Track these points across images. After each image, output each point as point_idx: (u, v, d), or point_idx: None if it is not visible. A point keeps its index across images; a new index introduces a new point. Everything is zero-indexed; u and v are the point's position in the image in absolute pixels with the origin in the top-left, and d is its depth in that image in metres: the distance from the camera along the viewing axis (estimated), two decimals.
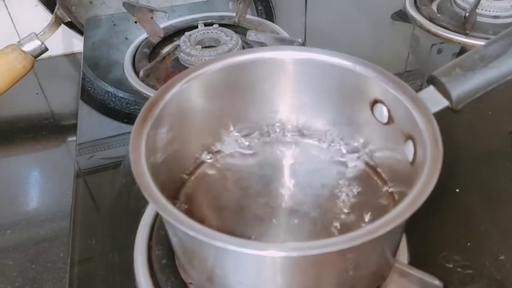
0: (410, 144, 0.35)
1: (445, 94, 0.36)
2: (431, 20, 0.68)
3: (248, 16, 0.66)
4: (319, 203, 0.39)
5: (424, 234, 0.39)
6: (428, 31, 0.67)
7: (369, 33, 0.70)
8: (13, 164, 0.62)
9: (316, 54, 0.40)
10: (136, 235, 0.39)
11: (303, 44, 0.60)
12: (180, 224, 0.27)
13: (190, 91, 0.38)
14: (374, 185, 0.40)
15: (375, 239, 0.26)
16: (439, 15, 0.69)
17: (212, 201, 0.40)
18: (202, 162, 0.43)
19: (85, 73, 0.62)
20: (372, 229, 0.26)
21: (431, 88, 0.37)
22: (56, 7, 0.67)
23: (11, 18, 0.71)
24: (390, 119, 0.38)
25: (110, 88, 0.58)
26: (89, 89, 0.60)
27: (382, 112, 0.38)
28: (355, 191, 0.40)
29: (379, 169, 0.41)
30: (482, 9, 0.67)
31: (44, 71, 0.75)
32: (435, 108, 0.35)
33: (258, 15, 0.71)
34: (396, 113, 0.37)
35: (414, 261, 0.36)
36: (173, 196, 0.39)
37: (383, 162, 0.41)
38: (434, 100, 0.36)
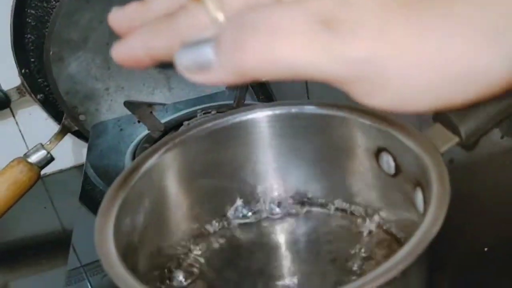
0: (419, 192, 0.30)
1: (453, 129, 0.32)
2: None
3: (247, 102, 0.65)
4: (327, 279, 0.33)
5: None
6: None
7: None
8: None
9: (289, 107, 0.36)
10: None
11: None
12: None
13: (166, 166, 0.35)
14: (391, 250, 0.34)
15: None
16: None
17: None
18: (190, 248, 0.37)
19: (86, 178, 0.60)
20: None
21: (437, 125, 0.32)
22: (64, 117, 0.68)
23: (21, 133, 0.73)
24: (398, 169, 0.33)
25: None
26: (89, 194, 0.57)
27: (389, 162, 0.34)
28: (364, 260, 0.34)
29: (393, 230, 0.35)
30: None
31: (54, 186, 0.74)
32: (445, 147, 0.31)
33: None
34: (402, 160, 0.32)
35: None
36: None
37: (397, 221, 0.35)
38: (442, 138, 0.32)
